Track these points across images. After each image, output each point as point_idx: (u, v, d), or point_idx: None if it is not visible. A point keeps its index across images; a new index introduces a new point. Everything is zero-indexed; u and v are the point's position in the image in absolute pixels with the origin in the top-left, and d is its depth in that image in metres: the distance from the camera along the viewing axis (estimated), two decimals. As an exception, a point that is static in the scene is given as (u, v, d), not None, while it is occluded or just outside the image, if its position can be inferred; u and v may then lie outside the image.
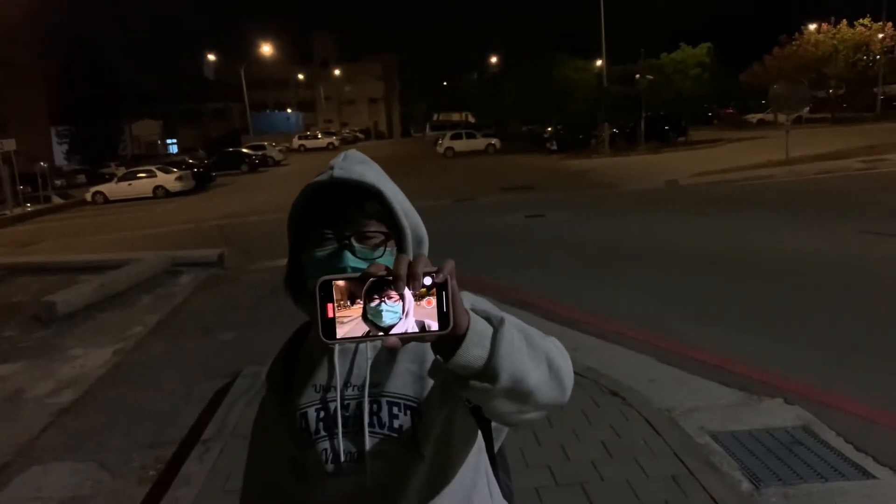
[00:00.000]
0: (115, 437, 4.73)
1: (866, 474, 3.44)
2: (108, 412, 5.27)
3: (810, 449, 3.74)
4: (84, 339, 7.29)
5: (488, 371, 0.94)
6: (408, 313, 0.87)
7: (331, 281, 0.89)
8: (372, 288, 0.87)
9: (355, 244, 1.19)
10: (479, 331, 0.93)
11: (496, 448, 1.28)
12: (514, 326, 0.99)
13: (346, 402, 1.20)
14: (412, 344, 1.17)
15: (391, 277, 0.87)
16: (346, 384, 1.22)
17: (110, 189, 28.55)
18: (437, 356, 0.95)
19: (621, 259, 9.21)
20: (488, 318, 0.97)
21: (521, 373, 0.97)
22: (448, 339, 0.90)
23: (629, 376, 4.88)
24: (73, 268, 10.96)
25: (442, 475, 1.18)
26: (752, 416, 4.20)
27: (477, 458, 1.23)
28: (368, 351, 1.22)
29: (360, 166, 1.24)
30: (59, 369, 6.37)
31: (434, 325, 0.88)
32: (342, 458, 1.18)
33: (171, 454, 4.37)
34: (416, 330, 0.87)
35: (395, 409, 1.18)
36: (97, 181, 32.27)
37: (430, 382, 1.18)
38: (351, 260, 1.18)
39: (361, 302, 0.87)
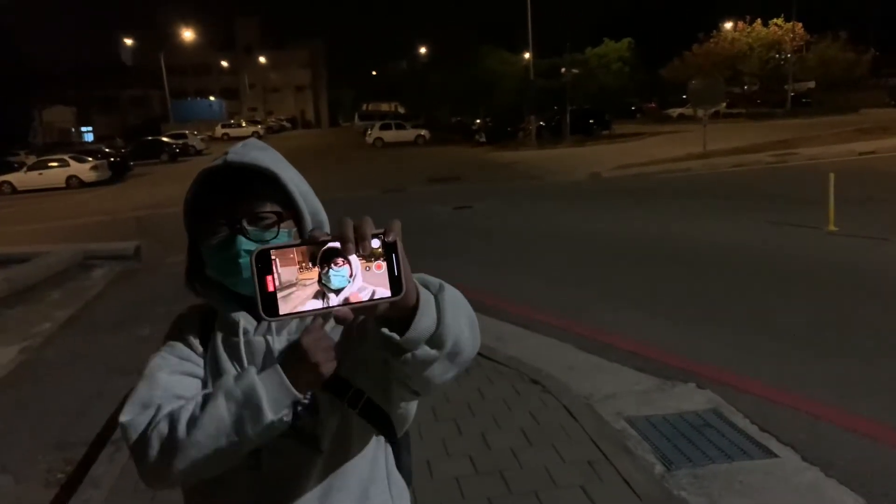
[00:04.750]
0: (20, 439, 4.51)
1: (769, 453, 3.61)
2: (12, 413, 5.02)
3: (719, 430, 3.89)
4: (-13, 337, 6.90)
5: (435, 339, 0.94)
6: (355, 276, 0.83)
7: (268, 251, 0.83)
8: (323, 255, 0.83)
9: (247, 227, 1.16)
10: (425, 300, 0.93)
11: (399, 435, 1.27)
12: (448, 289, 1.00)
13: None
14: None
15: (337, 242, 0.83)
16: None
17: (19, 179, 27.17)
18: (385, 331, 0.92)
19: (544, 248, 9.37)
20: (426, 285, 0.98)
21: (459, 335, 0.99)
22: (400, 308, 0.88)
23: (549, 364, 4.98)
24: (-25, 261, 10.34)
25: (339, 469, 1.18)
26: (666, 401, 4.34)
27: (375, 450, 1.23)
28: (275, 345, 1.19)
29: (256, 151, 1.22)
30: (-41, 369, 6.01)
31: (385, 292, 0.84)
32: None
33: (80, 455, 4.18)
34: (367, 295, 0.83)
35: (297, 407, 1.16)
36: (4, 170, 30.51)
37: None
38: (244, 244, 1.15)
39: (313, 270, 0.83)
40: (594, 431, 3.89)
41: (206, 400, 1.08)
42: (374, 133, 41.05)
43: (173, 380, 1.17)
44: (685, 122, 42.90)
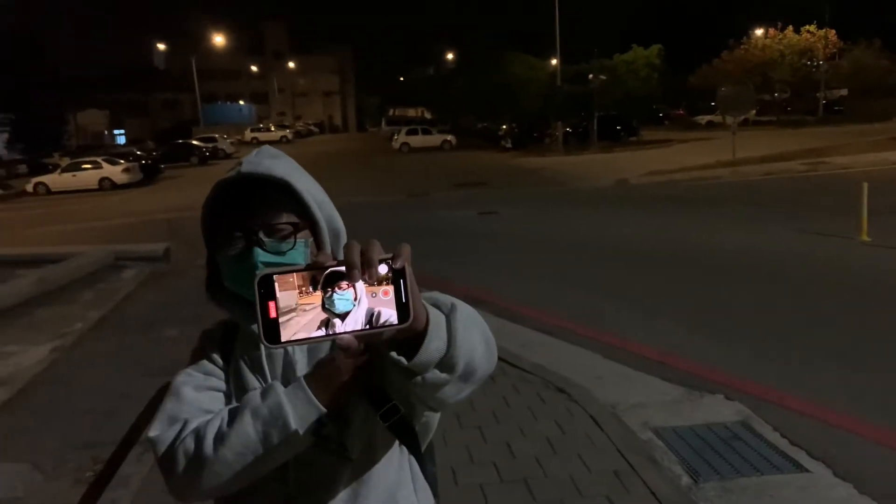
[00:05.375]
0: (50, 438, 4.57)
1: (800, 467, 3.55)
2: (43, 411, 5.09)
3: (748, 443, 3.83)
4: (20, 336, 7.02)
5: (446, 362, 0.93)
6: (360, 300, 0.81)
7: (271, 276, 0.81)
8: (325, 279, 0.81)
9: (264, 238, 1.16)
10: (435, 322, 0.91)
11: (423, 447, 1.26)
12: (460, 310, 0.98)
13: None
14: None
15: (343, 267, 0.81)
16: None
17: (53, 180, 27.69)
18: (393, 355, 0.91)
19: (570, 256, 9.32)
20: (437, 305, 0.96)
21: (471, 356, 0.97)
22: (407, 333, 0.86)
23: (575, 372, 4.94)
24: (9, 261, 10.54)
25: (365, 475, 1.18)
26: (694, 412, 4.29)
27: (400, 457, 1.22)
28: (295, 355, 1.19)
29: (270, 160, 1.22)
30: (-7, 367, 6.13)
31: (392, 317, 0.81)
32: None
33: (108, 455, 4.23)
34: (368, 318, 0.81)
35: (324, 418, 1.16)
36: (39, 172, 31.19)
37: None
38: (261, 255, 1.16)
39: (315, 294, 0.80)
40: (620, 441, 3.85)
41: (233, 416, 1.09)
42: (400, 138, 41.19)
43: (199, 395, 1.19)
44: (714, 129, 42.50)
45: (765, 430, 3.98)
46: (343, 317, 0.80)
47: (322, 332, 0.81)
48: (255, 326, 1.19)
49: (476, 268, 8.85)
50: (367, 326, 0.81)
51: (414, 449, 1.23)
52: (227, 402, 1.20)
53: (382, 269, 0.81)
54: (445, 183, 20.58)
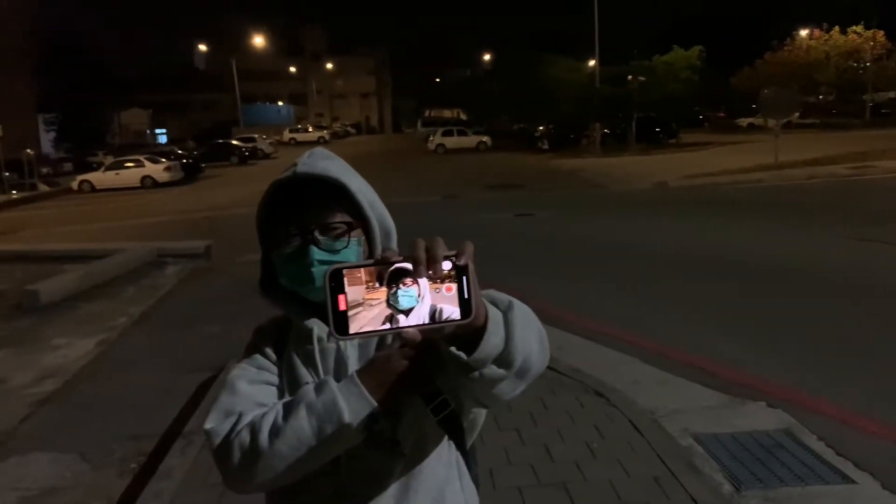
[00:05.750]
0: (97, 429, 4.69)
1: (846, 479, 3.46)
2: (89, 403, 5.23)
3: (791, 452, 3.76)
4: (67, 330, 7.22)
5: (504, 358, 0.95)
6: (423, 296, 0.83)
7: (341, 270, 0.84)
8: (390, 275, 0.83)
9: (319, 237, 1.20)
10: (494, 319, 0.93)
11: (468, 445, 1.28)
12: (517, 307, 1.00)
13: None
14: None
15: (408, 264, 0.84)
16: None
17: (97, 178, 28.36)
18: (452, 350, 0.93)
19: (608, 258, 9.24)
20: (494, 302, 0.98)
21: (528, 353, 0.99)
22: (466, 329, 0.89)
23: (614, 377, 4.89)
24: (57, 257, 10.87)
25: (417, 471, 1.20)
26: (735, 419, 4.22)
27: (448, 453, 1.24)
28: (347, 350, 1.21)
29: (324, 161, 1.25)
30: (41, 359, 6.31)
31: (454, 313, 0.84)
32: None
33: (152, 447, 4.33)
34: (432, 313, 0.83)
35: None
36: (84, 169, 32.00)
37: None
38: (316, 253, 1.19)
39: (381, 290, 0.83)
40: (660, 447, 3.81)
41: (288, 410, 1.12)
42: (435, 139, 41.23)
43: (253, 389, 1.22)
44: (755, 132, 41.70)
45: (809, 440, 3.90)
46: (407, 312, 0.82)
47: (388, 326, 0.83)
48: (309, 322, 1.22)
49: (512, 269, 8.82)
50: (431, 321, 0.83)
51: (460, 445, 1.25)
52: (280, 396, 1.23)
53: (446, 265, 0.82)
54: (481, 184, 20.56)
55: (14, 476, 4.09)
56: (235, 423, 1.15)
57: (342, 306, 0.83)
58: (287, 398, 1.18)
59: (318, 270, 1.18)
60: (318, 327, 1.23)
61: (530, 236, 11.43)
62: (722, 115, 60.66)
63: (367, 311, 0.83)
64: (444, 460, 1.23)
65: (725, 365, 5.11)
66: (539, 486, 3.45)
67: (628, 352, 5.51)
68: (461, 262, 0.83)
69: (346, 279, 0.83)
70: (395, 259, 0.83)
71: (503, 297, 1.02)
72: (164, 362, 6.00)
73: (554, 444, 3.88)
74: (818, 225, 10.90)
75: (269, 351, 1.28)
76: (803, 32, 47.92)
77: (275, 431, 1.10)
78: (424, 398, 1.13)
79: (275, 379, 1.25)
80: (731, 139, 36.59)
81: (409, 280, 0.82)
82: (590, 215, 13.64)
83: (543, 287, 7.79)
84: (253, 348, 1.31)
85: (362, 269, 0.84)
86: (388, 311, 0.83)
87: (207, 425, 1.19)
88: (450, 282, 0.83)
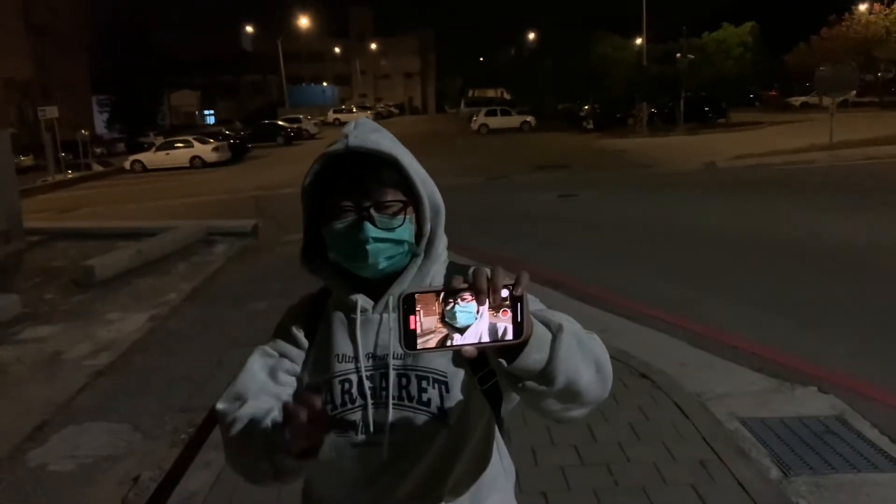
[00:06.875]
0: (149, 401, 4.84)
1: (901, 467, 3.37)
2: (142, 376, 5.39)
3: (843, 439, 3.66)
4: (121, 304, 7.45)
5: (546, 374, 0.98)
6: (482, 314, 0.90)
7: (413, 294, 0.90)
8: (447, 293, 0.90)
9: (374, 214, 1.18)
10: (539, 336, 0.97)
11: (505, 409, 1.28)
12: (569, 332, 1.02)
13: (370, 374, 1.21)
14: None
15: (471, 291, 0.89)
16: (368, 356, 1.22)
17: (148, 158, 29.04)
18: (499, 358, 0.98)
19: (654, 240, 9.09)
20: (546, 324, 1.01)
21: (574, 376, 1.02)
22: (511, 342, 0.94)
23: (659, 359, 4.83)
24: (111, 234, 11.21)
25: (461, 443, 1.20)
26: (784, 404, 4.13)
27: (488, 427, 1.25)
28: (391, 322, 1.21)
29: (375, 135, 1.23)
30: (97, 333, 6.53)
31: (508, 332, 0.90)
32: (371, 430, 1.19)
33: (202, 418, 4.45)
34: (489, 332, 0.90)
35: (424, 383, 1.19)
36: (136, 150, 32.77)
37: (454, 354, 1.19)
38: (372, 231, 1.17)
39: (439, 309, 0.90)
40: (706, 431, 3.75)
41: (263, 417, 1.17)
42: (479, 119, 40.88)
43: (269, 379, 1.25)
44: (809, 110, 40.41)
45: (862, 426, 3.79)
46: (463, 330, 0.89)
47: (449, 343, 0.90)
48: (353, 297, 1.22)
49: (556, 250, 8.76)
50: (487, 340, 0.90)
51: (499, 418, 1.25)
52: (302, 370, 1.27)
53: (504, 293, 0.90)
54: (525, 164, 20.39)
55: (71, 444, 4.25)
56: (237, 409, 1.20)
57: (412, 326, 0.90)
58: (308, 381, 1.24)
59: (372, 248, 1.17)
60: (362, 300, 1.23)
61: (575, 217, 11.32)
62: (774, 93, 58.86)
63: (436, 335, 0.91)
64: (482, 431, 1.24)
65: (776, 349, 5.00)
66: (582, 466, 3.44)
67: (674, 334, 5.44)
68: (518, 293, 0.90)
69: (420, 309, 0.90)
70: (460, 287, 0.90)
71: (557, 318, 1.03)
72: (213, 338, 6.14)
73: (598, 425, 3.85)
74: (875, 207, 10.52)
75: (298, 332, 1.28)
76: (862, 7, 45.90)
77: (241, 432, 1.17)
78: (472, 367, 1.13)
79: (295, 367, 1.27)
80: (784, 119, 35.56)
81: (468, 295, 0.89)
82: (636, 196, 13.42)
83: (587, 268, 7.72)
84: (282, 329, 1.31)
85: (436, 302, 0.90)
86: (445, 330, 0.90)
87: (219, 405, 1.23)
88: (506, 306, 0.90)
